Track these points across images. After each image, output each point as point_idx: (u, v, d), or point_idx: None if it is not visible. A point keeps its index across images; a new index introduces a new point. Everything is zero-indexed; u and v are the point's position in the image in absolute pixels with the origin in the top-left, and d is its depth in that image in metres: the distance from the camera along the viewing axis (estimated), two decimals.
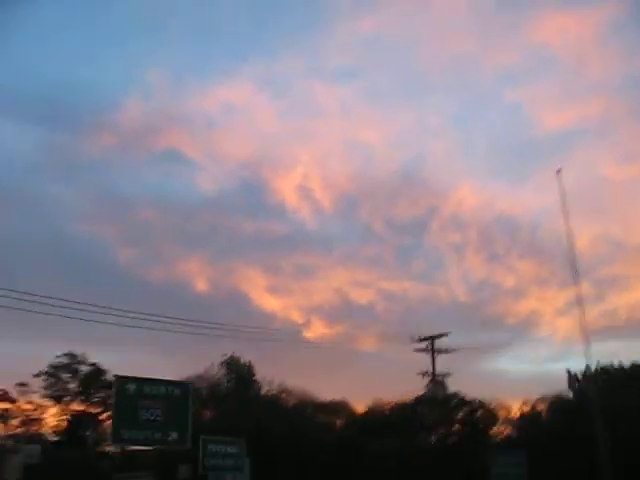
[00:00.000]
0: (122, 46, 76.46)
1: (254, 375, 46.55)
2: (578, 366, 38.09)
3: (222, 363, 46.64)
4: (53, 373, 48.70)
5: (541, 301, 57.13)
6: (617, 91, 65.45)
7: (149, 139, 71.39)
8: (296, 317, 63.51)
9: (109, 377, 49.25)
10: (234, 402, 42.56)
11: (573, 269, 27.70)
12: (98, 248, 58.71)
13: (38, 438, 44.98)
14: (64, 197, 63.00)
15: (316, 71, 77.80)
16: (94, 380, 48.31)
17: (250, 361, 46.81)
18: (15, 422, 48.37)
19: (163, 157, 69.54)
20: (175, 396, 30.40)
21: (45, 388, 48.74)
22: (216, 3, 76.53)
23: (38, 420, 48.28)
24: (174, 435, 29.48)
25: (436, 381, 52.82)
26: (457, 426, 40.73)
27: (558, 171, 22.79)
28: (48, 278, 51.57)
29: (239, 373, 46.36)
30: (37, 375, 48.85)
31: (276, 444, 35.26)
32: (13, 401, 49.67)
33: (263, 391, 47.42)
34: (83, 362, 49.00)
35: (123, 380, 29.99)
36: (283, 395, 47.24)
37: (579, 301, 26.83)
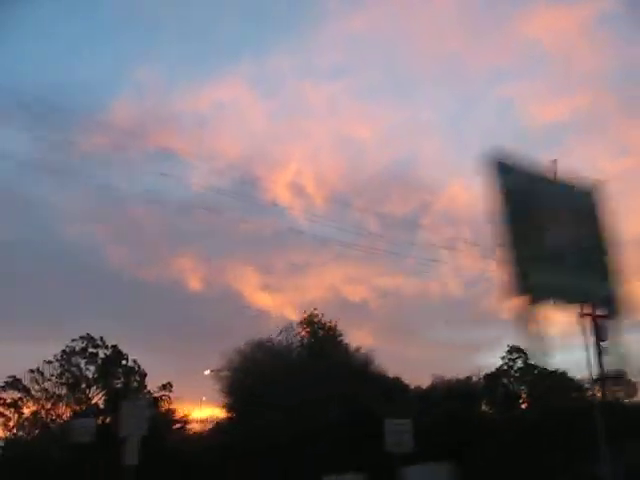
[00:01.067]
0: (113, 45, 77.60)
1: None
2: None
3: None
4: (67, 358, 44.21)
5: None
6: (607, 84, 65.41)
7: (141, 138, 70.47)
8: (290, 314, 61.29)
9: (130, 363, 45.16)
10: None
11: None
12: (90, 247, 58.96)
13: None
14: (56, 197, 63.53)
15: (306, 69, 77.42)
16: (114, 365, 43.52)
17: None
18: (27, 411, 44.09)
19: (155, 156, 65.97)
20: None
21: (59, 375, 44.35)
22: (206, 2, 76.30)
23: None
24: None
25: None
26: None
27: (554, 161, 21.47)
28: (41, 277, 51.44)
29: None
30: (49, 362, 44.79)
31: None
32: (26, 390, 45.66)
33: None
34: (100, 345, 44.31)
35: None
36: None
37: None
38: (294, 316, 55.79)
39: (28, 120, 66.63)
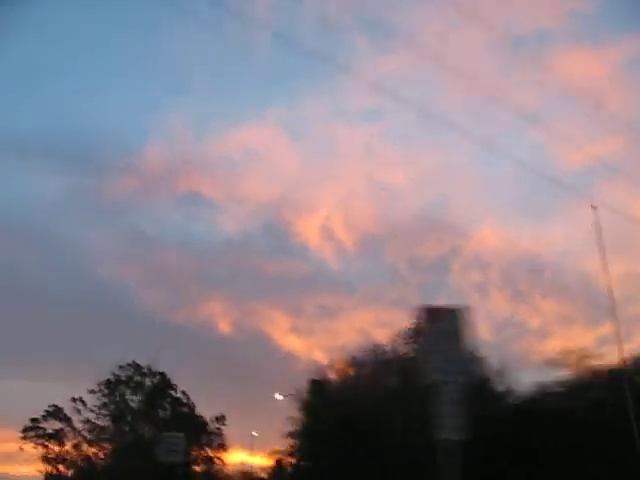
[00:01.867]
0: (145, 90, 76.09)
1: None
2: None
3: None
4: (113, 386, 41.79)
5: (567, 340, 49.47)
6: (638, 127, 61.75)
7: (172, 182, 71.93)
8: (319, 357, 58.81)
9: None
10: None
11: (611, 303, 24.51)
12: (122, 290, 57.24)
13: None
14: (89, 239, 62.94)
15: (337, 112, 74.55)
16: (161, 395, 40.90)
17: None
18: (69, 445, 41.58)
19: (186, 200, 68.03)
20: None
21: (102, 406, 41.91)
22: (238, 48, 75.16)
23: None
24: None
25: None
26: None
27: (594, 207, 22.56)
28: (74, 318, 48.96)
29: None
30: (92, 391, 42.49)
31: None
32: (67, 419, 43.28)
33: None
34: (148, 374, 41.81)
35: None
36: None
37: (617, 339, 23.82)
38: (323, 359, 54.04)
39: (62, 164, 70.19)
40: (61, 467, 40.92)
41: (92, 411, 42.11)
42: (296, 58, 73.87)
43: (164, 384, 40.46)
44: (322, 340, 65.18)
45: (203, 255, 62.20)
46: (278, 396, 38.32)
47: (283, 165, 72.06)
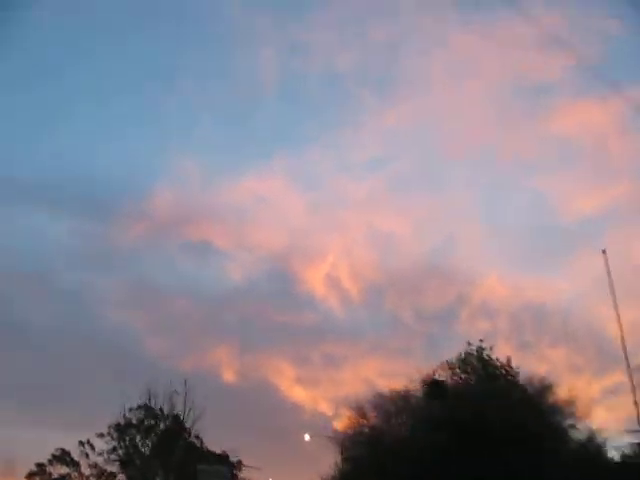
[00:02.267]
0: (154, 136, 77.63)
1: None
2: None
3: None
4: (123, 429, 40.38)
5: (574, 390, 48.20)
6: None
7: (181, 229, 71.98)
8: (325, 408, 58.54)
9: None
10: None
11: (624, 352, 25.76)
12: (130, 336, 56.23)
13: None
14: (98, 285, 62.08)
15: (343, 163, 75.55)
16: (173, 438, 39.39)
17: None
18: None
19: (194, 247, 67.82)
20: None
21: (111, 450, 40.42)
22: (245, 95, 77.07)
23: None
24: None
25: None
26: None
27: (604, 251, 23.52)
28: (81, 364, 48.57)
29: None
30: (101, 435, 41.01)
31: None
32: (75, 463, 41.54)
33: None
34: (160, 417, 40.44)
35: None
36: None
37: (632, 388, 24.98)
38: (328, 410, 53.85)
39: (71, 209, 66.42)
40: None
41: (100, 454, 40.77)
42: (303, 107, 77.07)
43: (178, 427, 39.05)
44: (327, 391, 64.28)
45: (211, 303, 61.88)
46: (306, 437, 37.14)
47: (290, 214, 72.16)
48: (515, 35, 59.92)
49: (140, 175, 75.99)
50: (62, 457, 40.90)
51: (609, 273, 23.41)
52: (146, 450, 40.08)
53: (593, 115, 58.99)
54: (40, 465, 41.25)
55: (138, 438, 40.63)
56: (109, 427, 39.90)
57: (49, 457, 40.83)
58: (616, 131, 60.13)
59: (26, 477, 40.01)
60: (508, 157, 68.88)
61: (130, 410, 40.44)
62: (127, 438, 40.65)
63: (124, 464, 39.79)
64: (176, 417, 39.43)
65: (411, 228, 71.11)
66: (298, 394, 62.32)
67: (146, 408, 40.52)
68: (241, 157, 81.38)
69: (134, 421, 40.38)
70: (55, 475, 40.40)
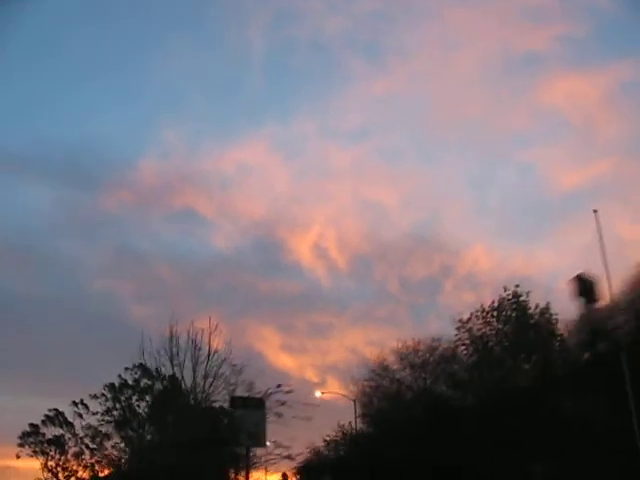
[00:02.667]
0: (140, 107, 77.74)
1: None
2: None
3: None
4: (117, 391, 39.24)
5: None
6: (628, 151, 60.94)
7: (165, 198, 73.29)
8: (311, 376, 58.80)
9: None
10: None
11: None
12: (115, 304, 58.30)
13: None
14: (81, 254, 65.64)
15: (329, 131, 76.53)
16: (168, 399, 38.18)
17: None
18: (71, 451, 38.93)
19: (179, 215, 69.68)
20: None
21: (106, 412, 39.36)
22: (232, 65, 78.46)
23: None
24: None
25: None
26: None
27: (595, 211, 22.18)
28: (65, 333, 50.15)
29: None
30: (95, 396, 39.84)
31: None
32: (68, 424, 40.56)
33: None
34: (156, 377, 39.17)
35: None
36: None
37: None
38: (314, 378, 53.84)
39: (56, 179, 72.25)
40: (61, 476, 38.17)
41: (95, 414, 39.69)
42: (290, 77, 78.50)
43: (174, 387, 37.82)
44: (314, 359, 63.95)
45: (196, 271, 61.46)
46: (317, 394, 36.43)
47: (275, 183, 74.68)
48: (505, 8, 66.32)
49: (125, 145, 79.82)
50: (55, 418, 39.91)
51: (600, 233, 21.96)
52: (143, 411, 38.97)
53: (581, 89, 59.45)
54: (34, 425, 40.36)
55: (134, 399, 39.54)
56: (104, 387, 38.84)
57: (42, 418, 39.84)
58: (604, 105, 61.51)
59: (20, 437, 39.14)
60: (497, 129, 69.55)
61: (126, 369, 39.24)
62: (123, 398, 39.61)
63: (119, 425, 38.75)
64: (173, 376, 38.21)
65: (398, 199, 73.61)
66: (284, 362, 62.23)
67: (142, 368, 39.27)
68: (226, 126, 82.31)
69: (130, 382, 39.21)
70: (49, 436, 39.45)
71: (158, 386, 38.56)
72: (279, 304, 66.44)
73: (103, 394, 39.67)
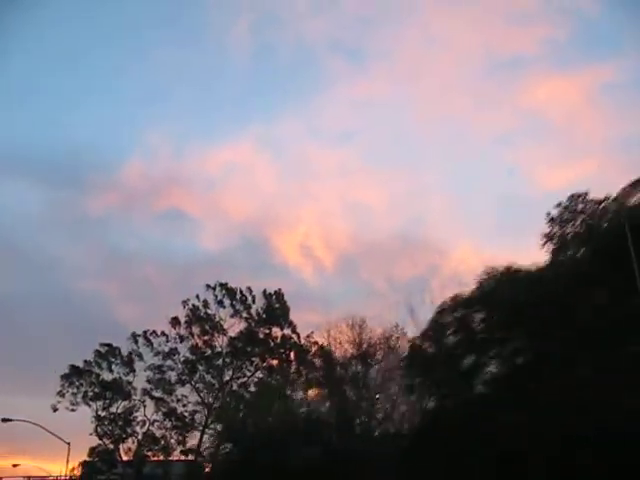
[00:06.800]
0: (127, 108, 79.89)
1: None
2: None
3: None
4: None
5: None
6: (610, 150, 65.17)
7: (152, 198, 73.95)
8: None
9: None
10: None
11: None
12: (101, 304, 55.70)
13: None
14: (68, 254, 64.27)
15: (314, 132, 77.79)
16: None
17: None
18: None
19: (166, 216, 69.05)
20: None
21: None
22: (218, 67, 79.52)
23: None
24: None
25: None
26: None
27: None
28: (51, 332, 47.77)
29: None
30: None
31: None
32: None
33: None
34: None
35: None
36: None
37: None
38: None
39: (42, 180, 66.06)
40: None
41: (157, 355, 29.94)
42: (274, 78, 79.51)
43: None
44: None
45: (182, 270, 57.51)
46: None
47: (262, 183, 73.96)
48: (488, 11, 67.63)
49: (111, 145, 79.86)
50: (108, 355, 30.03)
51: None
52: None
53: (563, 90, 62.89)
54: (75, 367, 30.51)
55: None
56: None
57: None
58: (586, 105, 64.63)
59: (61, 379, 29.34)
60: (480, 130, 72.16)
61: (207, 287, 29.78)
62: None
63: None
64: None
65: (384, 199, 73.17)
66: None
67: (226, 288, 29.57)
68: (211, 127, 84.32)
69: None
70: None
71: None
72: None
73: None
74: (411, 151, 76.71)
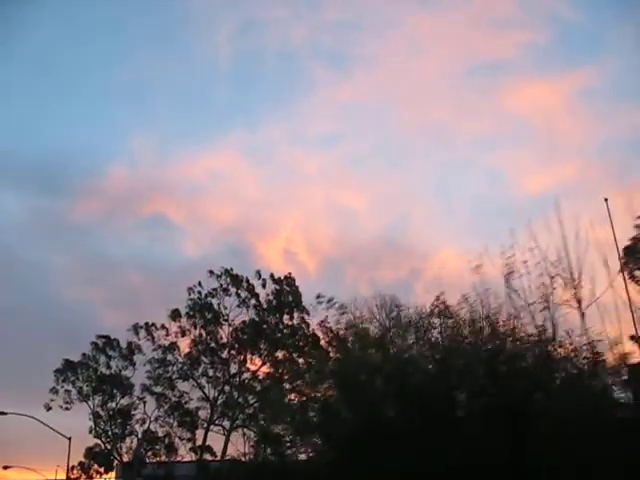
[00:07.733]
0: (108, 114, 78.47)
1: None
2: None
3: None
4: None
5: None
6: (591, 154, 62.82)
7: (135, 204, 73.74)
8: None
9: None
10: None
11: None
12: (85, 311, 53.88)
13: None
14: (51, 261, 62.92)
15: (297, 137, 76.55)
16: None
17: None
18: None
19: (149, 222, 68.27)
20: None
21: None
22: (200, 73, 79.06)
23: None
24: None
25: None
26: None
27: (606, 199, 19.31)
28: (34, 341, 45.79)
29: None
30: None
31: None
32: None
33: None
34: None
35: None
36: None
37: None
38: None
39: (24, 186, 70.22)
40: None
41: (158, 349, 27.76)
42: (257, 84, 79.10)
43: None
44: None
45: (166, 277, 56.57)
46: None
47: (245, 189, 72.20)
48: (469, 15, 66.89)
49: (93, 152, 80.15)
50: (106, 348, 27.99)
51: (611, 223, 19.72)
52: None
53: (544, 95, 62.36)
54: (70, 362, 28.41)
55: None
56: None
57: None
58: (566, 110, 64.17)
59: (55, 374, 27.24)
60: (463, 134, 71.51)
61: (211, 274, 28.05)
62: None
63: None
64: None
65: (367, 203, 72.68)
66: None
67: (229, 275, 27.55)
68: (194, 133, 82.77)
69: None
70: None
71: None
72: None
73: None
74: (394, 156, 76.39)
